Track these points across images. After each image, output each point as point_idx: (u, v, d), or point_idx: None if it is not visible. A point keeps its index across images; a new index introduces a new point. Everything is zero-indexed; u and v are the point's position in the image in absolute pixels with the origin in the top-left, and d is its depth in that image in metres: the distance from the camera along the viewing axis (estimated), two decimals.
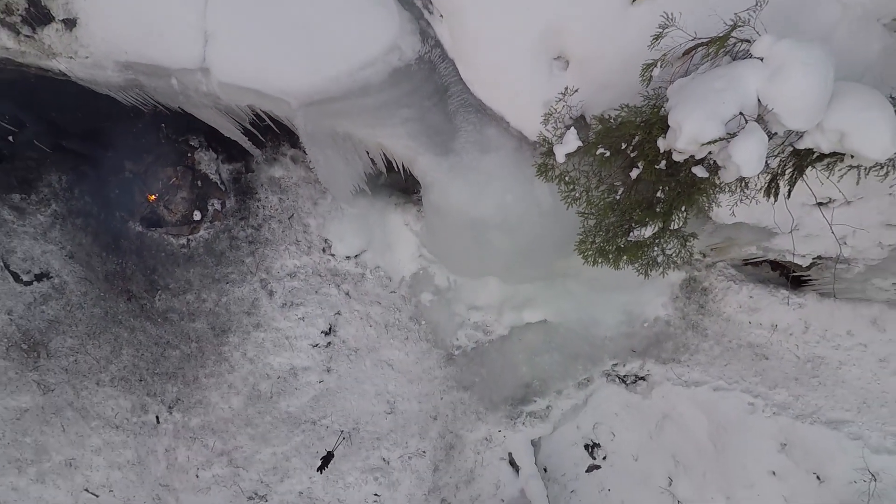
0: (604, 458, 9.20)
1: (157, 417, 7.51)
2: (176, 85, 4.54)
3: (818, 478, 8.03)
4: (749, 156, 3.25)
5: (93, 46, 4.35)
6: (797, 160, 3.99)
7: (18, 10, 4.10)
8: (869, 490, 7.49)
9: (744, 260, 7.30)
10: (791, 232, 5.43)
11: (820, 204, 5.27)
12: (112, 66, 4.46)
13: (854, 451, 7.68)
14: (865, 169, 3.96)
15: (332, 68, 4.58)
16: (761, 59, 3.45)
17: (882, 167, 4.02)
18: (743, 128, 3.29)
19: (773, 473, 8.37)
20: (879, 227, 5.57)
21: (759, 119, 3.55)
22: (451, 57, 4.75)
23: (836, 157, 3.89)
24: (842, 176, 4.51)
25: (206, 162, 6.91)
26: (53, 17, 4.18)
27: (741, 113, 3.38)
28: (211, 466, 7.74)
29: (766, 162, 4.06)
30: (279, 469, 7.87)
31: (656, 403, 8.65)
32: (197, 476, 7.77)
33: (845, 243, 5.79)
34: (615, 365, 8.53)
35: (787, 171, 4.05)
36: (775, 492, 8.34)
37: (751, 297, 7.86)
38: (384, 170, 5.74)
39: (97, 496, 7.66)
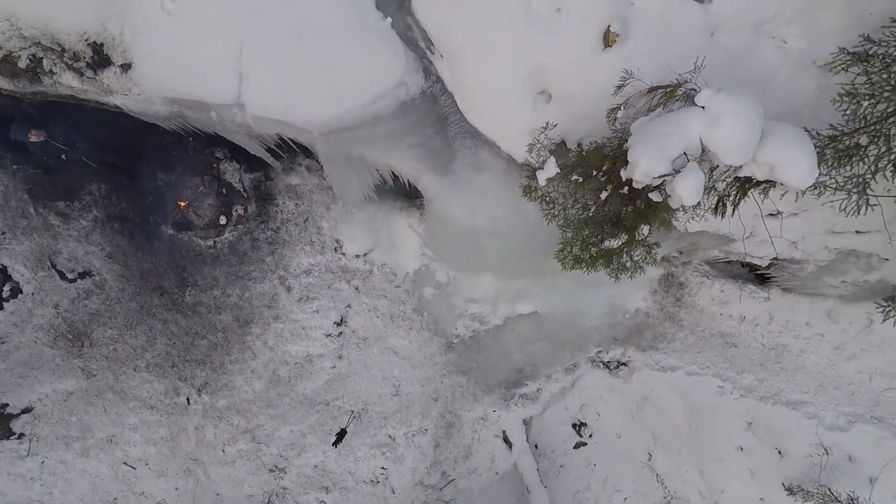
0: (590, 436, 10.06)
1: (188, 399, 8.39)
2: (214, 117, 5.31)
3: (779, 453, 8.96)
4: (688, 190, 4.05)
5: (144, 85, 5.12)
6: (739, 185, 4.78)
7: (85, 57, 4.85)
8: (821, 463, 8.44)
9: (714, 259, 8.11)
10: (745, 239, 6.24)
11: (771, 215, 6.07)
12: (160, 101, 5.24)
13: (810, 428, 8.59)
14: (801, 190, 4.76)
15: (348, 102, 5.35)
16: (703, 108, 4.24)
17: (815, 188, 4.82)
18: (685, 166, 4.09)
19: (741, 449, 9.28)
20: (825, 233, 6.38)
21: (704, 155, 4.36)
22: (450, 91, 5.51)
23: (770, 183, 4.69)
24: (783, 195, 5.34)
25: (230, 172, 7.69)
26: (112, 62, 4.94)
27: (685, 153, 4.17)
28: (236, 442, 8.65)
29: (714, 185, 4.88)
30: (296, 445, 8.78)
31: (636, 387, 9.52)
32: (223, 451, 8.68)
33: (797, 247, 6.62)
34: (599, 352, 9.39)
35: (731, 194, 4.84)
36: (742, 465, 9.26)
37: (722, 291, 8.70)
38: (391, 182, 6.52)
39: (134, 468, 8.57)
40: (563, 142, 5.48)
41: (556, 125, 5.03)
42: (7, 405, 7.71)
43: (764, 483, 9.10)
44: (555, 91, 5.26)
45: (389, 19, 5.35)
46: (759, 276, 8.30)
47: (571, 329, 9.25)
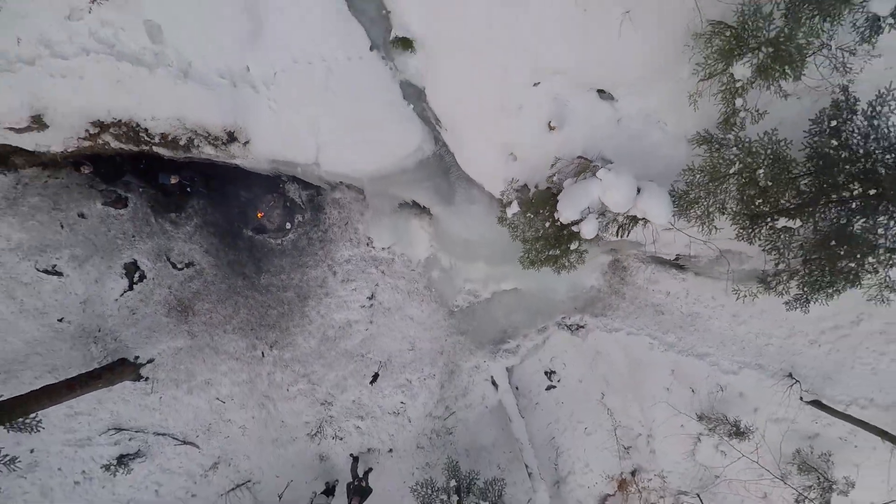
0: (558, 381, 13.26)
1: (262, 353, 11.66)
2: (300, 170, 8.28)
3: (693, 391, 12.35)
4: (587, 230, 7.13)
5: (256, 153, 8.06)
6: (630, 220, 7.85)
7: (221, 138, 7.78)
8: (718, 397, 11.80)
9: (643, 253, 11.18)
10: (654, 243, 9.30)
11: (667, 230, 9.11)
12: (265, 161, 8.19)
13: (713, 373, 11.92)
14: (663, 225, 7.80)
15: (385, 159, 8.33)
16: (600, 179, 7.25)
17: (671, 224, 7.86)
18: (587, 216, 7.16)
19: (667, 389, 12.64)
20: (702, 243, 9.41)
21: (603, 206, 7.40)
22: (452, 151, 8.46)
23: (646, 220, 7.74)
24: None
25: (292, 190, 10.70)
26: (237, 140, 7.86)
27: (588, 207, 7.23)
28: (296, 384, 11.95)
29: (615, 219, 7.92)
30: (340, 385, 12.10)
31: (591, 344, 12.75)
32: (287, 390, 12.00)
33: (689, 249, 9.69)
34: (563, 318, 12.54)
35: (625, 225, 7.91)
36: (668, 401, 12.62)
37: (653, 273, 11.81)
38: (411, 203, 9.56)
39: (224, 403, 11.92)
40: (525, 185, 8.48)
41: (518, 180, 8.04)
42: (138, 357, 10.96)
43: (684, 410, 12.47)
44: (519, 155, 8.23)
45: (412, 106, 8.26)
46: (677, 264, 11.38)
47: (542, 301, 12.39)
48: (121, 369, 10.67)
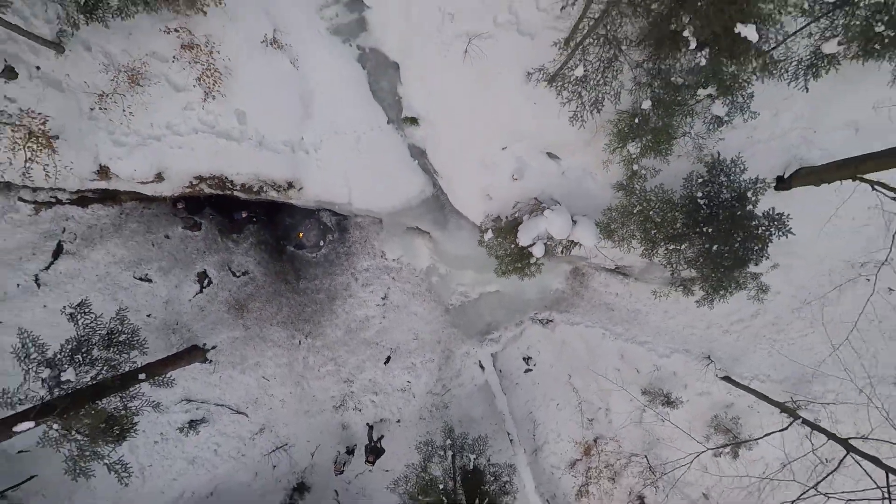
0: (534, 365, 16.58)
1: (299, 341, 15.08)
2: (337, 207, 11.73)
3: (637, 371, 15.76)
4: (537, 250, 10.59)
5: (306, 195, 11.51)
6: (570, 243, 11.29)
7: (283, 186, 11.24)
8: (656, 376, 15.22)
9: (591, 264, 14.59)
10: (595, 257, 12.74)
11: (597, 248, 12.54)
12: (312, 201, 11.66)
13: (651, 356, 15.33)
14: (592, 246, 11.23)
15: (397, 199, 11.79)
16: (546, 216, 10.70)
17: (596, 247, 11.30)
18: (536, 242, 10.61)
19: (618, 370, 16.03)
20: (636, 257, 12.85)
21: (548, 235, 10.85)
22: (445, 192, 11.92)
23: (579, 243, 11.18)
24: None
25: (325, 217, 14.15)
26: (294, 187, 11.33)
27: (538, 235, 10.69)
28: (325, 366, 15.38)
29: (560, 242, 11.37)
30: (359, 367, 15.51)
31: (558, 335, 16.14)
32: (318, 371, 15.42)
33: (623, 260, 13.12)
34: (535, 314, 15.91)
35: (567, 246, 11.35)
36: (619, 379, 15.99)
37: (604, 279, 15.20)
38: (417, 228, 13.01)
39: (268, 381, 15.34)
40: (498, 216, 11.92)
41: (492, 214, 11.49)
42: (205, 344, 14.36)
43: (630, 388, 15.86)
44: (493, 196, 11.68)
45: (417, 161, 11.73)
46: (621, 272, 14.80)
47: (519, 300, 15.81)
48: (193, 353, 14.08)
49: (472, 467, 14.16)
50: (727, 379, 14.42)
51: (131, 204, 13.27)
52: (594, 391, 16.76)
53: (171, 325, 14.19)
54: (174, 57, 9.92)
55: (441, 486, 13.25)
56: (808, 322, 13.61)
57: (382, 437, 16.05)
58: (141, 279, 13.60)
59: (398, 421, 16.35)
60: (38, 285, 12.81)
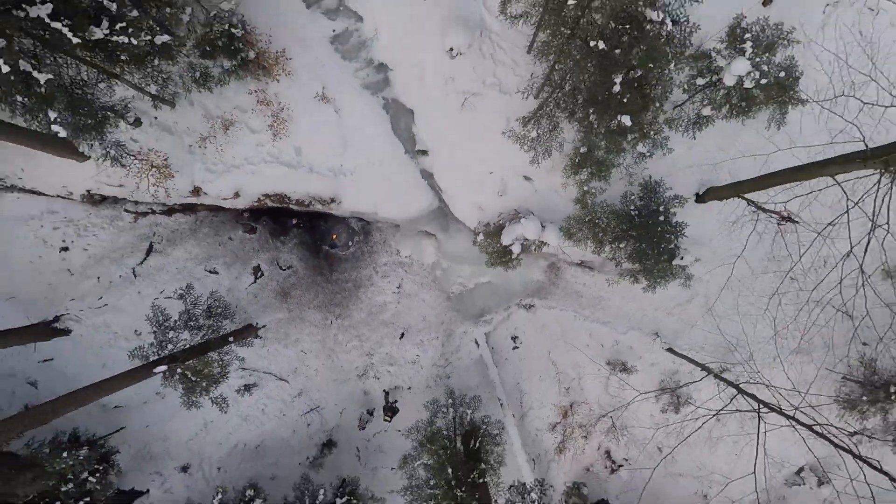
0: (520, 343, 20.49)
1: (331, 322, 19.04)
2: (365, 216, 15.68)
3: (602, 345, 19.66)
4: (515, 249, 14.58)
5: (344, 208, 15.47)
6: (540, 243, 15.28)
7: (327, 201, 15.16)
8: (616, 349, 19.14)
9: (560, 260, 18.54)
10: (561, 254, 16.66)
11: (562, 247, 16.50)
12: (347, 211, 15.62)
13: (612, 334, 19.23)
14: (557, 245, 15.20)
15: (411, 210, 15.80)
16: (521, 223, 14.67)
17: (560, 246, 15.27)
18: (514, 242, 14.59)
19: (587, 346, 19.95)
20: (591, 254, 16.78)
21: (524, 237, 14.83)
22: (448, 205, 15.89)
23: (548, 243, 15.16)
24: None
25: (353, 222, 18.12)
26: (335, 202, 15.27)
27: (516, 237, 14.68)
28: (351, 342, 19.32)
29: (534, 242, 15.35)
30: (378, 343, 19.45)
31: (539, 318, 20.04)
32: (345, 346, 19.37)
33: (584, 256, 17.06)
34: (520, 301, 19.82)
35: (539, 245, 15.33)
36: (588, 353, 19.91)
37: (574, 272, 19.15)
38: (425, 231, 17.00)
39: (305, 354, 19.28)
40: (488, 223, 15.89)
41: (483, 221, 15.45)
42: (258, 323, 18.29)
43: (597, 360, 19.76)
44: (483, 208, 15.67)
45: (426, 181, 15.70)
46: (587, 266, 18.74)
47: (507, 290, 19.77)
48: (249, 330, 18.00)
49: (468, 420, 18.07)
50: (671, 350, 18.34)
51: (204, 213, 17.24)
52: (569, 364, 20.66)
53: (231, 308, 18.12)
54: (253, 109, 13.90)
55: (444, 434, 17.15)
56: (730, 304, 17.53)
57: (396, 400, 19.97)
58: (210, 271, 17.55)
59: (409, 388, 20.26)
60: (135, 276, 16.76)
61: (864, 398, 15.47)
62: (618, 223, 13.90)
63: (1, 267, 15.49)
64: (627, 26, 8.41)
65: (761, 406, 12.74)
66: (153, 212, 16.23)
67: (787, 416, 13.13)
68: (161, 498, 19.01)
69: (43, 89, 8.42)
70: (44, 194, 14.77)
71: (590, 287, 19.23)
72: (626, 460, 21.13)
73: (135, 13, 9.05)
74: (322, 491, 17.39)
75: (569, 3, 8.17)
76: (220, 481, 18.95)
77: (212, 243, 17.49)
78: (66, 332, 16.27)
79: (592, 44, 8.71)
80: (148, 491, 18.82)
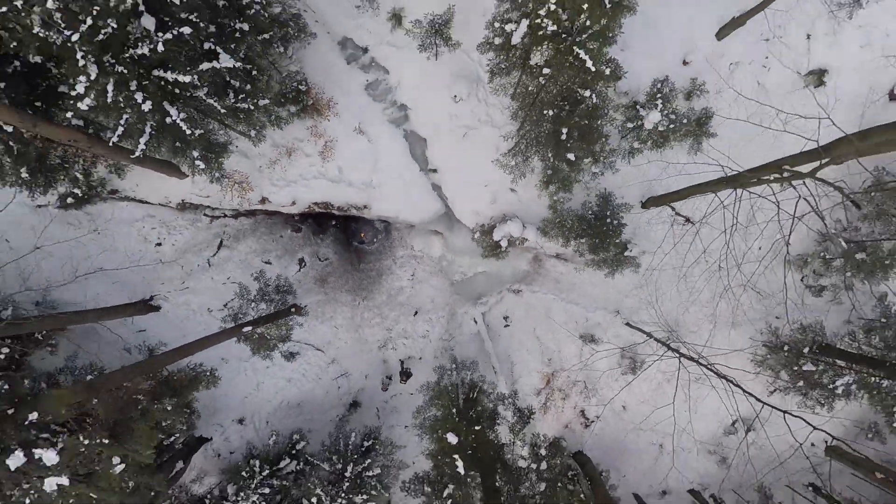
0: (510, 322, 25.58)
1: (358, 303, 24.09)
2: (388, 219, 20.65)
3: (576, 322, 24.65)
4: (503, 244, 19.60)
5: (373, 212, 20.45)
6: (522, 239, 20.32)
7: (361, 207, 20.12)
8: (587, 325, 24.08)
9: (544, 253, 23.54)
10: (540, 248, 21.65)
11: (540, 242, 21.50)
12: (374, 216, 20.64)
13: (584, 312, 24.17)
14: (536, 241, 20.21)
15: (424, 214, 20.84)
16: (508, 224, 19.68)
17: (538, 241, 20.29)
18: (502, 238, 19.62)
19: (565, 322, 24.93)
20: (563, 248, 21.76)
21: (510, 234, 19.86)
22: (452, 210, 20.90)
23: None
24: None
25: (377, 223, 23.16)
26: (367, 208, 20.22)
27: (504, 235, 19.71)
28: (374, 319, 24.41)
29: (518, 239, 20.37)
30: (396, 320, 24.52)
31: (526, 300, 25.05)
32: (369, 322, 24.44)
33: (559, 250, 22.04)
34: (510, 286, 24.84)
35: (520, 240, 20.35)
36: (566, 329, 24.88)
37: (553, 262, 24.11)
38: (433, 230, 22.04)
39: (337, 329, 24.33)
40: (483, 224, 20.93)
41: (479, 222, 20.45)
42: (301, 303, 23.29)
43: (573, 334, 24.79)
44: (479, 213, 20.72)
45: (436, 192, 20.72)
46: (561, 258, 23.72)
47: (498, 277, 24.80)
48: (295, 309, 23.00)
49: (469, 380, 23.06)
50: (628, 324, 23.31)
51: (262, 216, 22.26)
52: (551, 339, 25.66)
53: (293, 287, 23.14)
54: (307, 140, 18.90)
55: (449, 390, 22.14)
56: (673, 289, 22.50)
57: (410, 367, 24.99)
58: (266, 262, 22.56)
59: (420, 358, 25.29)
60: (209, 265, 21.78)
61: (769, 357, 20.42)
62: (579, 224, 18.87)
63: (111, 258, 20.49)
64: (565, 102, 13.34)
65: (681, 357, 17.71)
66: (224, 215, 21.25)
67: (703, 365, 18.05)
68: (221, 444, 24.04)
69: (195, 138, 13.39)
70: (148, 203, 19.80)
71: (565, 275, 24.22)
72: (598, 417, 26.14)
73: (248, 87, 14.03)
74: (353, 435, 22.38)
75: (529, 88, 12.93)
76: (268, 431, 23.98)
77: (267, 240, 22.50)
78: (157, 308, 21.29)
79: (545, 112, 13.63)
80: (211, 438, 23.82)
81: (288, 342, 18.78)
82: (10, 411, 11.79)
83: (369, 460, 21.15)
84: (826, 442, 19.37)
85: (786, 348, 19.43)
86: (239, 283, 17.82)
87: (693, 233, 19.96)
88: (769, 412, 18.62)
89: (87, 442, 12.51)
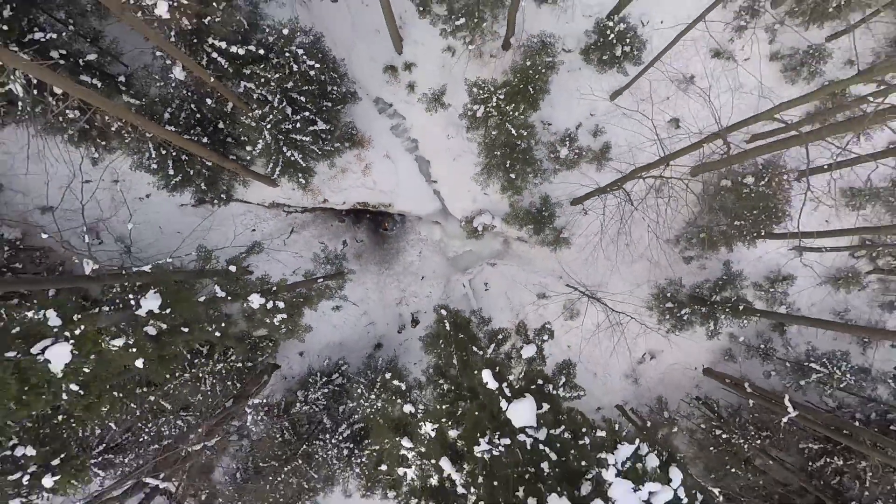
0: (489, 287, 36.90)
1: (382, 272, 35.48)
2: (404, 213, 31.81)
3: (534, 285, 35.73)
4: (479, 230, 30.96)
5: (396, 209, 31.63)
6: (493, 226, 31.65)
7: (386, 205, 31.23)
8: (542, 288, 35.22)
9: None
10: (506, 232, 32.85)
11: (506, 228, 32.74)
12: (395, 211, 31.86)
13: (539, 278, 35.22)
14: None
15: (427, 210, 32.21)
16: (482, 216, 30.97)
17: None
18: (479, 226, 30.99)
19: (531, 291, 36.06)
20: (521, 232, 32.95)
21: (484, 223, 31.18)
22: (447, 206, 32.12)
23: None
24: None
25: (396, 216, 34.46)
26: (391, 206, 31.35)
27: (480, 223, 31.06)
28: (393, 283, 36.01)
29: (490, 225, 31.67)
30: (410, 284, 35.96)
31: (499, 271, 36.33)
32: (390, 286, 35.92)
33: (519, 234, 33.25)
34: (489, 261, 36.06)
35: (492, 227, 31.66)
36: (527, 290, 36.08)
37: (518, 244, 35.25)
38: (434, 220, 33.36)
39: (367, 290, 35.64)
40: (467, 216, 32.22)
41: (466, 215, 31.68)
42: (348, 269, 34.52)
43: (532, 293, 35.97)
44: (465, 209, 32.05)
45: (437, 196, 31.94)
46: (523, 240, 34.88)
47: (479, 255, 36.22)
48: (343, 273, 34.23)
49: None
50: (568, 285, 34.44)
51: (319, 212, 33.51)
52: (517, 299, 36.88)
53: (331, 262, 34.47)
54: (354, 162, 30.11)
55: (447, 328, 33.38)
56: (600, 259, 33.62)
57: (419, 317, 36.25)
58: (321, 243, 33.79)
59: (425, 312, 36.53)
60: (284, 244, 33.04)
61: (658, 304, 31.57)
62: (527, 215, 29.99)
63: (224, 240, 31.73)
64: (505, 147, 24.67)
65: (589, 297, 28.84)
66: (295, 211, 32.52)
67: (606, 305, 29.14)
68: (287, 370, 35.36)
69: (301, 167, 24.63)
70: (249, 202, 31.08)
71: (526, 252, 35.42)
72: (550, 354, 37.28)
73: (328, 136, 25.30)
74: (380, 361, 33.62)
75: (486, 140, 24.30)
76: (321, 360, 35.26)
77: (322, 228, 33.77)
78: (250, 273, 32.52)
79: (496, 152, 24.73)
80: (280, 366, 35.13)
81: (342, 291, 30.02)
82: None
83: (390, 374, 32.40)
84: (703, 366, 30.84)
85: (667, 295, 30.62)
86: (314, 252, 28.99)
87: (602, 218, 31.22)
88: (668, 343, 30.08)
89: None
